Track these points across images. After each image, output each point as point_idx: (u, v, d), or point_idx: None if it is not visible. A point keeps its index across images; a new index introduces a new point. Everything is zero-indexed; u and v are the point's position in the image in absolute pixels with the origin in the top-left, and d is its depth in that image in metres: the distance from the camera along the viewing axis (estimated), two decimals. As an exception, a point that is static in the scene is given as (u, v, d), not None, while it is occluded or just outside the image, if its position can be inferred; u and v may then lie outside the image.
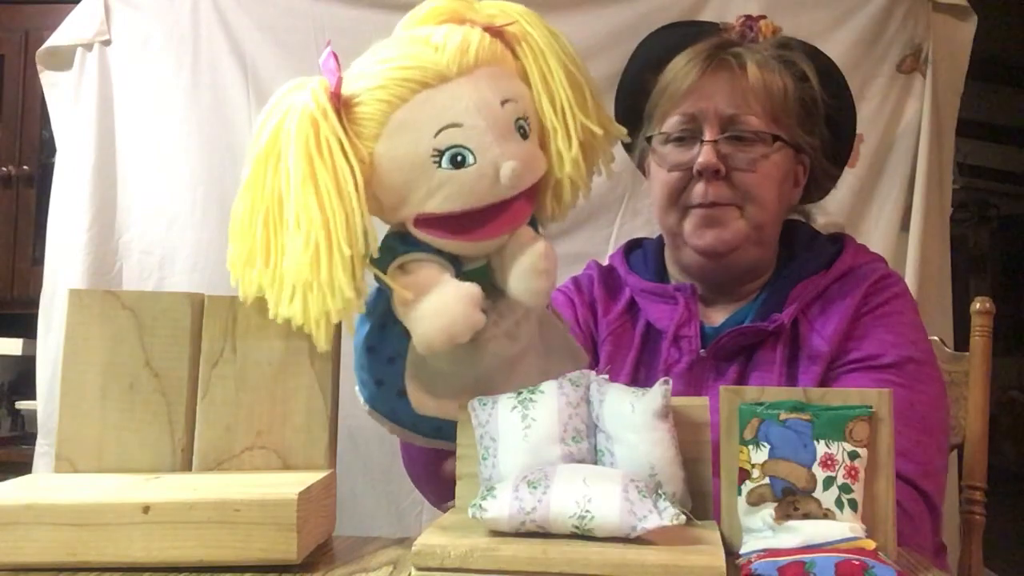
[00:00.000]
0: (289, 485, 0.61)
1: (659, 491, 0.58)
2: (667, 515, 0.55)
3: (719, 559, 0.53)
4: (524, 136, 0.68)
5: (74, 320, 0.73)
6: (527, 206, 0.69)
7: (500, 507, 0.56)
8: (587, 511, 0.54)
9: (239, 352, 0.74)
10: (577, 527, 0.55)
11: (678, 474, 0.63)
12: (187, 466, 0.73)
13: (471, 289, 0.65)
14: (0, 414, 2.59)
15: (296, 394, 0.72)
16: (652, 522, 0.54)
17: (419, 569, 0.54)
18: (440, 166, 0.64)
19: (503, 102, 0.66)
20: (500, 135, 0.65)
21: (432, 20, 0.72)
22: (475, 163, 0.64)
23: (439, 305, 0.63)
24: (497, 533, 0.56)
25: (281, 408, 0.73)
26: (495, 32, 0.70)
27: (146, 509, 0.58)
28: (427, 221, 0.66)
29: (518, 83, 0.70)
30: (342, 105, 0.64)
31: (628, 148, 1.14)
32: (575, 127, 0.71)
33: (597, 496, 0.55)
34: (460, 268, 0.69)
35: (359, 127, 0.64)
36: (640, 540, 0.54)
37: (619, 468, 0.61)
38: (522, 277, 0.67)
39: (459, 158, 0.64)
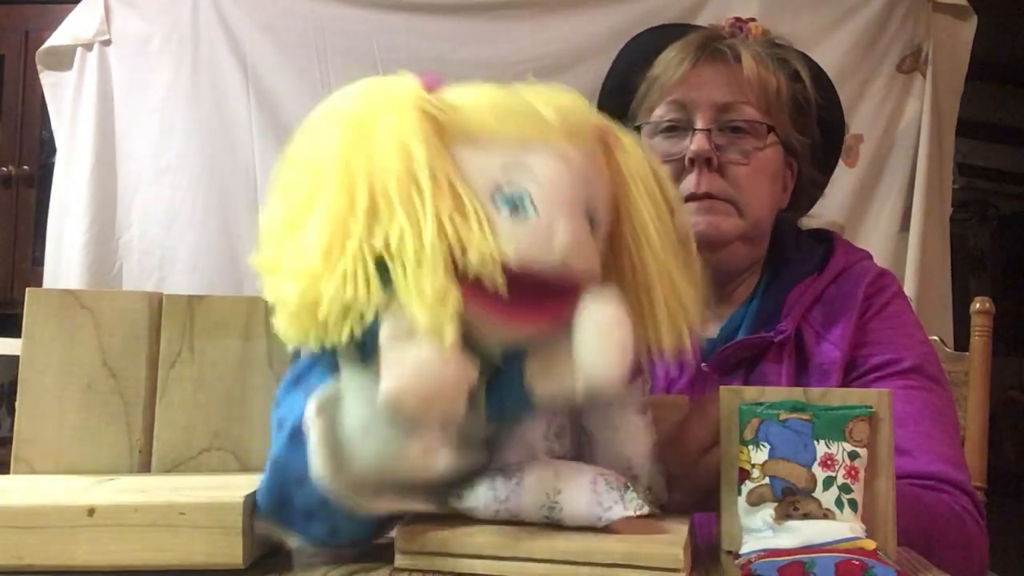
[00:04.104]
0: (239, 488, 0.61)
1: (628, 484, 0.60)
2: (632, 506, 0.57)
3: (678, 547, 0.55)
4: (591, 224, 0.58)
5: (32, 320, 0.72)
6: (567, 309, 0.57)
7: (476, 496, 0.59)
8: (556, 502, 0.58)
9: (197, 352, 0.73)
10: (547, 517, 0.58)
11: (655, 468, 0.65)
12: (145, 467, 0.72)
13: (471, 369, 0.54)
14: (0, 414, 2.59)
15: (254, 395, 0.71)
16: (617, 512, 0.56)
17: (401, 552, 0.57)
18: (495, 205, 0.55)
19: (583, 181, 0.58)
20: (569, 205, 0.56)
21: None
22: (534, 218, 0.55)
23: (432, 361, 0.51)
24: (475, 521, 0.59)
25: (239, 409, 0.72)
26: (603, 136, 0.62)
27: (91, 512, 0.58)
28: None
29: (603, 181, 0.61)
30: (435, 101, 0.57)
31: None
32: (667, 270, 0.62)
33: (566, 488, 0.58)
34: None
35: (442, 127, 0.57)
36: (607, 529, 0.57)
37: (598, 462, 0.63)
38: (593, 353, 0.55)
39: (519, 206, 0.55)
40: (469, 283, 0.54)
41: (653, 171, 0.64)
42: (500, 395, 0.59)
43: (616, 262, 0.63)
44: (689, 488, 0.67)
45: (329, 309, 0.53)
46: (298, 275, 0.55)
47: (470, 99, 0.58)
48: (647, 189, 0.63)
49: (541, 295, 0.56)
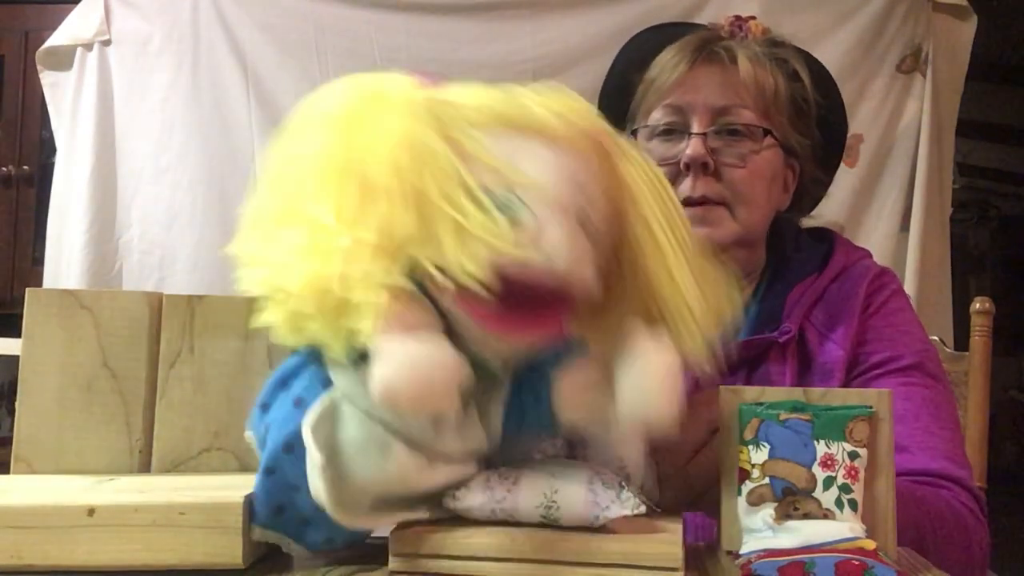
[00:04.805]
0: (239, 488, 0.61)
1: (623, 483, 0.60)
2: (629, 505, 0.57)
3: (676, 546, 0.55)
4: (584, 227, 0.56)
5: (32, 320, 0.73)
6: (560, 320, 0.56)
7: (472, 496, 0.58)
8: (553, 501, 0.57)
9: (197, 352, 0.73)
10: (544, 516, 0.57)
11: (646, 466, 0.65)
12: (145, 467, 0.72)
13: (463, 366, 0.53)
14: (0, 414, 2.59)
15: (254, 395, 0.70)
16: (614, 511, 0.56)
17: (395, 556, 0.57)
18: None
19: (575, 184, 0.56)
20: (559, 207, 0.54)
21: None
22: (525, 220, 0.53)
23: (425, 355, 0.51)
24: (470, 522, 0.59)
25: (239, 409, 0.72)
26: (600, 142, 0.60)
27: (91, 512, 0.58)
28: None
29: (598, 187, 0.58)
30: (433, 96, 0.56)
31: None
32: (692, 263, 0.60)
33: (563, 488, 0.58)
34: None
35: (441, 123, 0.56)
36: (604, 529, 0.57)
37: (591, 461, 0.63)
38: (640, 391, 0.54)
39: (509, 208, 0.53)
40: (460, 292, 0.53)
41: (657, 176, 0.62)
42: (521, 414, 0.59)
43: (624, 272, 0.61)
44: (680, 487, 0.67)
45: (341, 288, 0.52)
46: (300, 262, 0.54)
47: (467, 97, 0.57)
48: (652, 193, 0.61)
49: (533, 305, 0.54)
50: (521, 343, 0.57)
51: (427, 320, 0.54)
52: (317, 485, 0.55)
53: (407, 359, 0.51)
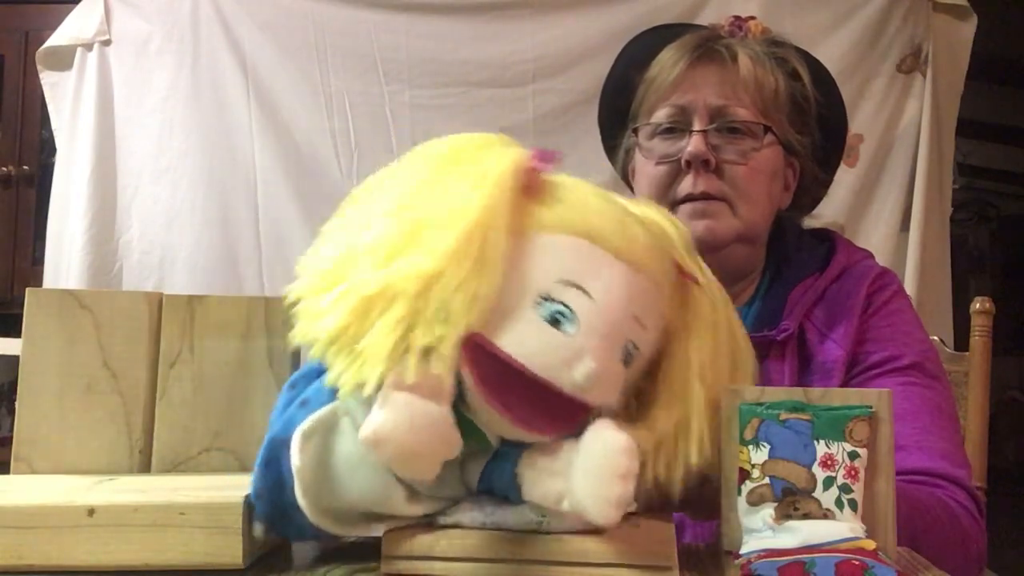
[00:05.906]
0: (239, 488, 0.61)
1: None
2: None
3: (670, 545, 0.55)
4: (624, 361, 0.57)
5: (32, 320, 0.73)
6: (570, 425, 0.55)
7: (461, 513, 0.58)
8: (544, 514, 0.56)
9: (197, 352, 0.73)
10: (537, 528, 0.57)
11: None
12: (145, 467, 0.73)
13: (456, 445, 0.53)
14: (0, 414, 2.60)
15: (254, 395, 0.71)
16: None
17: (387, 557, 0.56)
18: (535, 308, 0.54)
19: (635, 317, 0.57)
20: (608, 337, 0.55)
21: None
22: (567, 336, 0.54)
23: (426, 422, 0.51)
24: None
25: (239, 409, 0.72)
26: (682, 274, 0.61)
27: (91, 512, 0.58)
28: (476, 349, 0.53)
29: (659, 318, 0.59)
30: (533, 183, 0.56)
31: (610, 153, 1.12)
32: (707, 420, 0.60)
33: None
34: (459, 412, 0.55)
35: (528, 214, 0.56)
36: (597, 531, 0.56)
37: None
38: (593, 479, 0.53)
39: (558, 319, 0.54)
40: (481, 371, 0.53)
41: (726, 316, 0.63)
42: (492, 478, 0.58)
43: (654, 385, 0.61)
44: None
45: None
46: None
47: (572, 192, 0.58)
48: (709, 329, 0.62)
49: (550, 405, 0.54)
50: (529, 436, 0.56)
51: (441, 387, 0.52)
52: (297, 490, 0.55)
53: (409, 418, 0.51)
